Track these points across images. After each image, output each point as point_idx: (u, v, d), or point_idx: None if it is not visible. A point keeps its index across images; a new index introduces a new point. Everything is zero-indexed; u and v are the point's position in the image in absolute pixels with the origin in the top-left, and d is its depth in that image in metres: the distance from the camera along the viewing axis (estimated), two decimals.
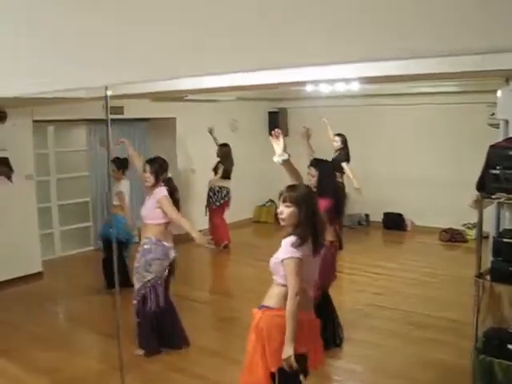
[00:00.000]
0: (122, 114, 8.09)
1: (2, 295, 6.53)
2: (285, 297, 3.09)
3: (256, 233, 10.71)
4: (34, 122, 7.44)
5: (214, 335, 5.72)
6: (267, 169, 10.86)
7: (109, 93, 3.33)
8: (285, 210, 3.16)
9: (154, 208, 5.00)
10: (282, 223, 3.20)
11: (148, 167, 5.11)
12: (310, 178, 4.93)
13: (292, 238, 3.11)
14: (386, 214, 10.21)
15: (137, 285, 4.99)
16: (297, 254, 3.05)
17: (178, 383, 4.60)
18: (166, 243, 5.01)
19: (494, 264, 3.38)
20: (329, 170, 5.21)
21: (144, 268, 4.92)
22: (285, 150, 3.74)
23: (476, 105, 8.60)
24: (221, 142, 9.17)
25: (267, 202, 11.39)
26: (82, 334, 5.73)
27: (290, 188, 3.24)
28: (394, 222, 10.08)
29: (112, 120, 8.52)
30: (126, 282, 6.08)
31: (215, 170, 9.03)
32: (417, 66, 3.28)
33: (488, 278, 3.41)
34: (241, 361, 4.83)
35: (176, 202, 5.14)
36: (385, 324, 5.75)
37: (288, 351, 2.96)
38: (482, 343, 3.46)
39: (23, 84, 2.62)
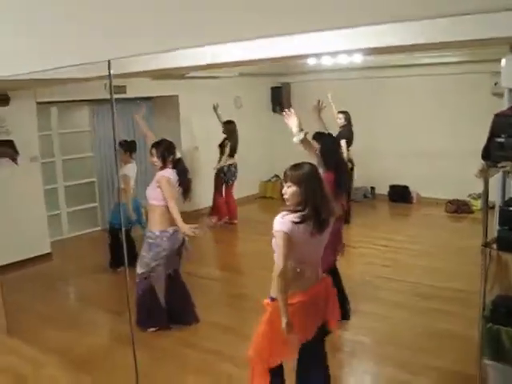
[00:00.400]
0: (125, 93, 8.06)
1: (12, 277, 6.58)
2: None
3: (261, 208, 10.72)
4: (38, 103, 7.43)
5: (224, 311, 5.76)
6: (272, 144, 10.91)
7: (112, 71, 3.31)
8: (288, 190, 3.17)
9: (155, 188, 5.00)
10: (287, 203, 3.20)
11: (154, 150, 5.08)
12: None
13: (283, 213, 3.13)
14: (392, 187, 10.21)
15: (139, 268, 5.04)
16: (285, 228, 3.05)
17: (189, 358, 4.66)
18: (169, 229, 4.98)
19: (501, 233, 3.38)
20: (331, 144, 5.18)
21: (153, 259, 4.97)
22: (300, 127, 3.70)
23: (480, 74, 8.55)
24: (225, 118, 9.14)
25: (272, 177, 11.40)
26: (91, 312, 5.78)
27: (293, 167, 3.23)
28: (400, 195, 10.08)
29: (115, 100, 8.57)
30: (133, 262, 6.10)
31: (221, 147, 9.01)
32: (415, 35, 3.25)
33: (495, 246, 3.41)
34: (250, 334, 4.94)
35: (187, 184, 5.15)
36: (392, 296, 5.78)
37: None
38: (489, 311, 3.47)
39: (23, 64, 2.61)
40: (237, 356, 4.51)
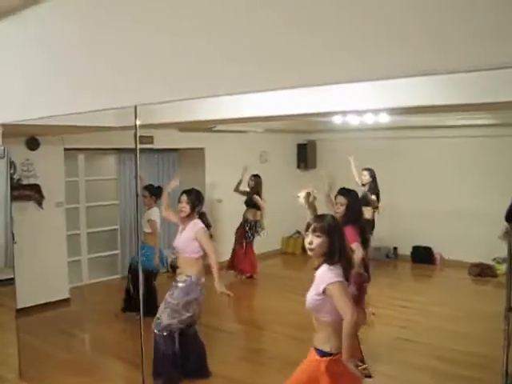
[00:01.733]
0: (152, 143, 8.20)
1: (30, 320, 6.57)
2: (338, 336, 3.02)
3: (284, 264, 10.66)
4: (65, 150, 7.59)
5: (239, 365, 5.63)
6: (295, 200, 10.89)
7: (138, 121, 3.39)
8: (315, 240, 3.15)
9: (191, 240, 4.93)
10: (311, 253, 3.18)
11: (185, 197, 5.04)
12: (338, 206, 4.95)
13: (327, 266, 3.09)
14: (415, 248, 10.09)
15: (166, 320, 4.88)
16: (340, 277, 3.02)
17: None
18: (203, 279, 4.97)
19: None
20: (357, 199, 5.24)
21: (184, 307, 4.87)
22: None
23: (510, 137, 8.53)
24: (252, 172, 9.24)
25: (294, 233, 11.37)
26: (107, 360, 5.73)
27: (319, 218, 3.24)
28: (423, 256, 9.95)
29: (141, 150, 8.72)
30: (152, 312, 6.01)
31: (250, 202, 9.05)
32: (447, 96, 3.28)
33: None
34: None
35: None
36: (411, 358, 5.63)
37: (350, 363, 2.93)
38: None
39: (50, 108, 2.68)
40: None
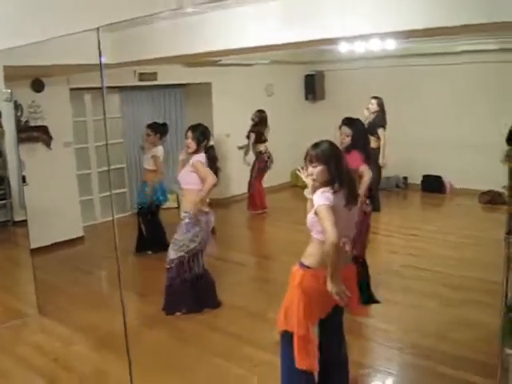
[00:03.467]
0: (156, 80, 8.13)
1: (46, 259, 6.72)
2: (322, 254, 3.13)
3: (293, 197, 10.71)
4: (71, 90, 7.55)
5: (250, 295, 5.77)
6: (304, 132, 10.83)
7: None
8: (314, 171, 3.17)
9: (189, 172, 5.05)
10: (315, 184, 3.20)
11: (190, 133, 5.11)
12: (343, 137, 4.90)
13: (322, 188, 3.13)
14: (425, 177, 10.06)
15: (175, 254, 5.08)
16: (327, 201, 3.06)
17: (213, 341, 4.71)
18: (206, 210, 5.09)
19: None
20: (363, 129, 5.22)
21: (190, 240, 5.03)
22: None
23: None
24: (257, 107, 9.15)
25: (304, 165, 11.34)
26: (119, 294, 5.89)
27: (314, 146, 3.22)
28: (433, 185, 9.94)
29: (145, 87, 8.68)
30: (163, 247, 6.15)
31: (259, 135, 9.05)
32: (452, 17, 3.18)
33: None
34: (274, 319, 4.97)
35: (215, 172, 5.15)
36: (420, 285, 5.72)
37: (331, 287, 3.04)
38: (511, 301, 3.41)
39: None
40: (259, 340, 4.57)
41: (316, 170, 3.16)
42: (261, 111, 9.04)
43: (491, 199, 8.95)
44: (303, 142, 10.80)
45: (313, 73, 11.22)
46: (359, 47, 7.11)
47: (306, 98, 11.32)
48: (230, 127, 9.58)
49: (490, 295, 5.17)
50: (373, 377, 4.08)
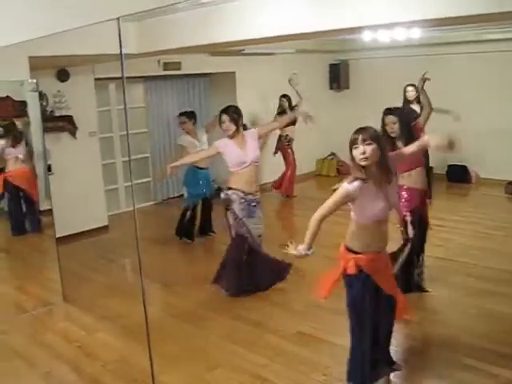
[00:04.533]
0: (179, 69, 8.13)
1: (70, 247, 6.81)
2: (354, 235, 3.41)
3: (318, 186, 10.70)
4: (96, 79, 7.61)
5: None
6: (328, 122, 10.78)
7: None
8: (367, 148, 3.23)
9: (257, 148, 5.23)
10: (365, 162, 3.25)
11: (225, 116, 5.17)
12: (391, 126, 4.81)
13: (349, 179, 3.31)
14: (450, 166, 9.94)
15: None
16: (344, 186, 3.28)
17: (233, 328, 4.75)
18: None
19: None
20: (407, 115, 5.34)
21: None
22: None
23: None
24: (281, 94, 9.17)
25: (329, 155, 11.32)
26: (143, 283, 5.93)
27: (363, 129, 3.31)
28: (459, 174, 9.83)
29: (170, 76, 8.70)
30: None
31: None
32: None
33: None
34: (298, 309, 4.97)
35: None
36: (444, 275, 5.66)
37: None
38: None
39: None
40: (281, 329, 4.58)
41: (370, 148, 3.22)
42: (286, 96, 9.11)
43: None
44: (328, 132, 10.88)
45: (337, 62, 11.15)
46: (383, 36, 7.03)
47: (331, 88, 11.26)
48: (254, 117, 9.55)
49: None
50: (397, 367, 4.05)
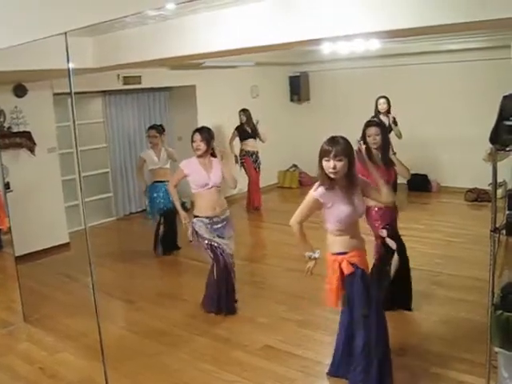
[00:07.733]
0: (140, 83, 8.08)
1: (31, 266, 6.65)
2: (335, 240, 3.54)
3: (280, 198, 10.70)
4: (54, 94, 7.48)
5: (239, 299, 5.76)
6: (290, 134, 10.85)
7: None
8: (338, 164, 3.30)
9: (221, 175, 5.22)
10: (334, 176, 3.34)
11: (198, 135, 5.20)
12: (373, 137, 4.81)
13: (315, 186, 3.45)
14: (411, 176, 10.04)
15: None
16: (314, 193, 3.42)
17: (199, 345, 4.68)
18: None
19: (510, 218, 3.31)
20: (385, 127, 5.52)
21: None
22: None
23: (503, 60, 8.36)
24: (241, 107, 9.17)
25: (291, 167, 11.36)
26: (106, 301, 5.83)
27: (334, 142, 3.34)
28: (419, 184, 9.94)
29: (130, 90, 8.64)
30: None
31: (247, 134, 9.11)
32: (432, 16, 3.16)
33: (504, 232, 3.34)
34: (264, 323, 4.93)
35: None
36: None
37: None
38: (498, 299, 3.40)
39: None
40: (248, 344, 4.55)
41: (340, 164, 3.29)
42: (245, 110, 9.11)
43: (477, 197, 9.01)
44: (290, 144, 10.90)
45: (297, 74, 11.23)
46: (342, 48, 7.11)
47: (292, 100, 11.33)
48: (214, 130, 9.52)
49: (478, 293, 5.18)
50: None
